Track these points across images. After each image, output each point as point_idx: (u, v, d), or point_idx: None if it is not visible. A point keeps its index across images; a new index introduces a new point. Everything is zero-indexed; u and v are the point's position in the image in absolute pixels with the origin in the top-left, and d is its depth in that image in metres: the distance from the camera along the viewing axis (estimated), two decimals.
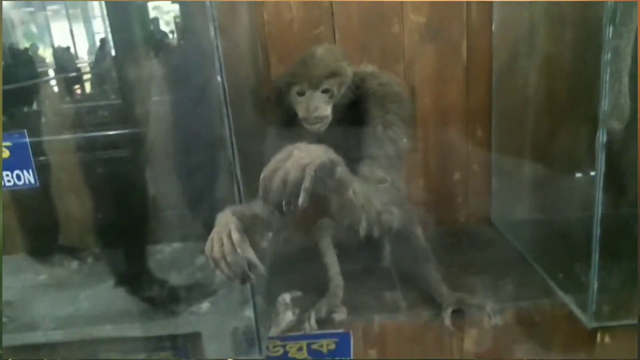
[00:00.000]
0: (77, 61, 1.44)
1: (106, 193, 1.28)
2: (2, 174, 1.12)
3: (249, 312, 1.13)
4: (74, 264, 1.44)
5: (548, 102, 1.38)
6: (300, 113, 1.14)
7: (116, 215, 1.26)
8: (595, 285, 1.12)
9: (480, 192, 1.68)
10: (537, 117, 1.43)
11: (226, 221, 0.82)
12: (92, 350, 1.18)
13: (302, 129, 1.16)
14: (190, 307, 1.20)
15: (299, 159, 0.78)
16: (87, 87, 1.50)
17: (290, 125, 1.19)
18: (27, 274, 1.41)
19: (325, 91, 1.13)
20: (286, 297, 1.31)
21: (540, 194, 1.46)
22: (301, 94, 1.14)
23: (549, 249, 1.38)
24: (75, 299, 1.27)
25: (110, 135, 1.25)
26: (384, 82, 1.18)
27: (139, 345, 1.19)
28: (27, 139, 1.00)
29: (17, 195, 1.38)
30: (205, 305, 1.20)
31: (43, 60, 1.42)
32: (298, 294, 1.33)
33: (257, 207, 0.90)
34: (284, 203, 0.77)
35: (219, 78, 0.97)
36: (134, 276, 1.21)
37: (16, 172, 1.02)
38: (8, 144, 1.00)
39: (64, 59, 1.47)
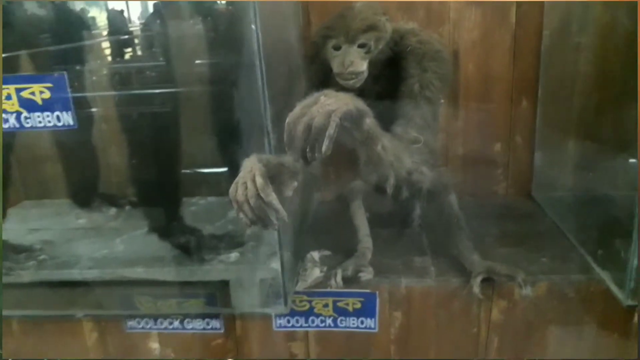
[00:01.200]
0: (129, 24, 1.49)
1: (145, 147, 1.31)
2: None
3: (275, 265, 1.15)
4: (112, 211, 1.49)
5: (598, 77, 1.32)
6: (335, 68, 1.12)
7: (153, 168, 1.29)
8: (635, 263, 1.08)
9: (521, 165, 1.63)
10: (586, 92, 1.37)
11: (251, 166, 0.82)
12: (124, 291, 1.22)
13: (337, 86, 1.15)
14: (220, 256, 1.22)
15: (325, 104, 0.77)
16: (136, 49, 1.55)
17: (326, 81, 1.18)
18: (68, 217, 1.47)
19: (361, 46, 1.11)
20: (315, 254, 1.31)
21: (584, 170, 1.41)
22: (337, 48, 1.12)
23: (589, 225, 1.33)
24: (111, 242, 1.32)
25: (152, 93, 1.28)
26: (423, 40, 1.15)
27: (169, 289, 1.22)
28: (67, 81, 1.03)
29: (62, 145, 1.45)
30: (234, 255, 1.22)
31: (96, 21, 1.48)
32: (327, 252, 1.33)
33: (284, 157, 0.90)
34: (307, 149, 0.77)
35: (252, 26, 0.97)
36: (168, 224, 1.24)
37: (56, 113, 1.05)
38: (49, 85, 1.03)
39: (117, 21, 1.52)
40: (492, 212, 1.55)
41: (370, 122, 0.86)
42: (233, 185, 0.82)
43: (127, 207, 1.50)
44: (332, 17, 1.15)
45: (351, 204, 1.34)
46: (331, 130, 0.75)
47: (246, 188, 0.80)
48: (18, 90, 1.03)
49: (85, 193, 1.52)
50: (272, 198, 0.79)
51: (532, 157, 1.61)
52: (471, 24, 1.50)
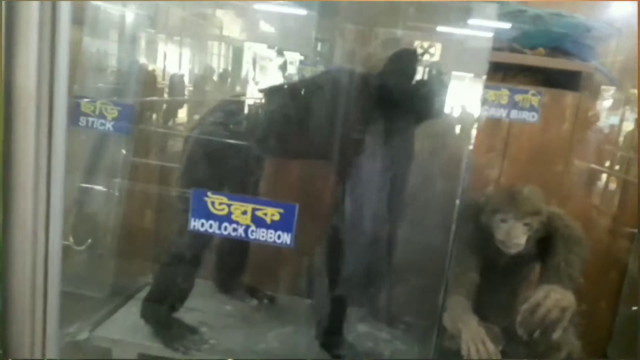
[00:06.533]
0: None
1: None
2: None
3: None
4: (253, 302, 1.67)
5: None
6: (500, 236, 1.37)
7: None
8: None
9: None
10: None
11: (477, 330, 1.05)
12: None
13: (492, 247, 1.40)
14: None
15: (558, 300, 1.01)
16: None
17: (481, 240, 1.43)
18: (214, 301, 1.65)
19: (526, 224, 1.37)
20: None
21: None
22: (504, 221, 1.38)
23: None
24: (264, 336, 1.49)
25: None
26: (569, 225, 1.41)
27: None
28: (297, 210, 1.25)
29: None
30: None
31: None
32: None
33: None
34: (537, 332, 0.99)
35: None
36: (334, 337, 1.42)
37: (278, 232, 1.26)
38: (281, 210, 1.25)
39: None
40: None
41: None
42: (464, 344, 1.04)
43: (265, 301, 1.67)
44: (500, 194, 1.42)
45: None
46: (564, 324, 0.98)
47: (477, 350, 1.01)
48: (254, 210, 1.25)
49: (230, 281, 1.70)
50: None
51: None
52: (579, 202, 1.77)
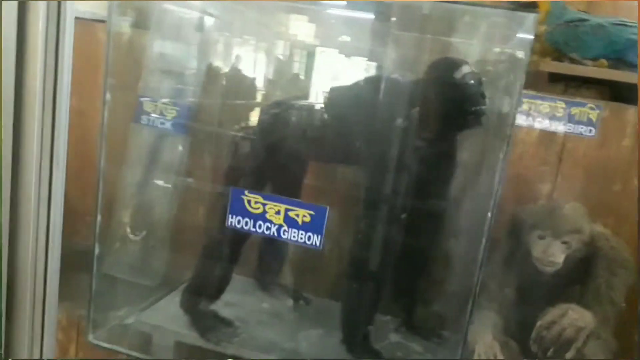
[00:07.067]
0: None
1: None
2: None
3: None
4: (289, 302, 1.70)
5: None
6: (536, 253, 1.32)
7: None
8: None
9: None
10: None
11: (490, 344, 1.03)
12: None
13: (530, 264, 1.35)
14: None
15: (575, 320, 0.97)
16: None
17: (520, 256, 1.38)
18: (253, 298, 1.70)
19: (564, 242, 1.31)
20: None
21: None
22: (542, 237, 1.33)
23: None
24: (294, 335, 1.52)
25: None
26: (614, 246, 1.34)
27: None
28: (327, 210, 1.27)
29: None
30: None
31: None
32: None
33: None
34: (551, 350, 0.96)
35: None
36: (357, 341, 1.43)
37: (309, 234, 1.28)
38: (311, 212, 1.28)
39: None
40: None
41: None
42: (476, 356, 1.02)
43: (301, 302, 1.71)
44: (540, 209, 1.37)
45: None
46: (579, 344, 0.94)
47: None
48: (287, 210, 1.28)
49: (269, 279, 1.75)
50: None
51: None
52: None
